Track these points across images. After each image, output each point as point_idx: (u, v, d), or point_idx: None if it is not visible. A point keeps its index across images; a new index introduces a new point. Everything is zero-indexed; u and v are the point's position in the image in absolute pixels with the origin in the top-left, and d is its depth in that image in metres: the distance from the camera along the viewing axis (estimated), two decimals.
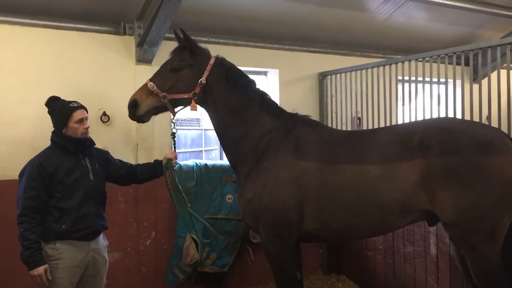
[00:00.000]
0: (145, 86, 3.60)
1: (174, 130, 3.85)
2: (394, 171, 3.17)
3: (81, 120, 3.44)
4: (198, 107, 3.71)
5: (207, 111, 3.79)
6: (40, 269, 3.15)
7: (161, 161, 3.90)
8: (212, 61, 3.65)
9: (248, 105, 3.65)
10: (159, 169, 3.87)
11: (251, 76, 5.90)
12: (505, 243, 3.09)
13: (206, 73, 3.60)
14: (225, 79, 3.63)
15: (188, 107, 3.69)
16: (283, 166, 3.44)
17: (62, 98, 3.53)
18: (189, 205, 4.12)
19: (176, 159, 3.96)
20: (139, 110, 3.58)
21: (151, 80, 3.61)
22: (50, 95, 3.54)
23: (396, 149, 3.22)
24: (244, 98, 3.65)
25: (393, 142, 3.27)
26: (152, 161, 4.01)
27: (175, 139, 3.91)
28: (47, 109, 3.48)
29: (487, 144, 3.04)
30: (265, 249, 3.61)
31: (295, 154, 3.46)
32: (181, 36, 3.66)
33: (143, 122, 3.70)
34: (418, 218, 3.33)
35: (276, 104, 3.82)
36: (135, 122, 3.70)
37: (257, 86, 3.80)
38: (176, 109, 3.70)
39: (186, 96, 3.59)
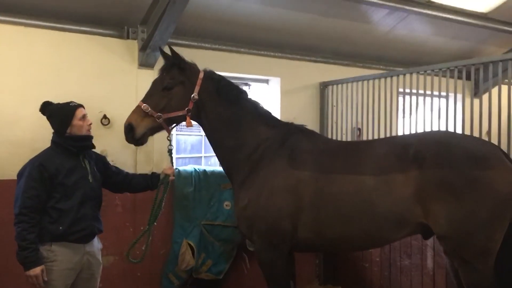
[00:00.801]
0: (138, 108, 3.57)
1: (170, 147, 3.83)
2: (389, 182, 3.19)
3: (84, 117, 3.47)
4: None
5: (200, 125, 3.80)
6: (37, 270, 3.13)
7: (159, 174, 3.92)
8: (201, 75, 3.65)
9: (241, 115, 3.66)
10: (155, 182, 3.89)
11: (253, 84, 6.01)
12: (498, 256, 3.10)
13: (197, 88, 3.60)
14: (216, 92, 3.64)
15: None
16: (278, 175, 3.45)
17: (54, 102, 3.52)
18: (155, 223, 3.96)
19: (174, 176, 3.98)
20: (136, 134, 3.56)
21: (143, 101, 3.58)
22: (49, 97, 3.55)
23: (392, 161, 3.24)
24: (237, 109, 3.66)
25: (388, 153, 3.29)
26: (149, 173, 4.03)
27: (172, 155, 3.91)
28: (45, 115, 3.47)
29: (480, 158, 3.07)
30: (258, 257, 3.62)
31: (291, 163, 3.46)
32: (169, 53, 3.65)
33: (142, 144, 3.69)
34: (413, 231, 3.35)
35: (270, 113, 3.83)
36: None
37: (249, 96, 3.81)
38: (170, 127, 3.70)
39: (180, 113, 3.59)
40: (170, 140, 3.81)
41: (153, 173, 3.99)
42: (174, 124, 3.73)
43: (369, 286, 5.27)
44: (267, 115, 3.77)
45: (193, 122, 3.74)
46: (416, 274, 4.66)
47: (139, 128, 3.55)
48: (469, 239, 3.05)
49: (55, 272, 3.24)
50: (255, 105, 3.76)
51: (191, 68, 3.69)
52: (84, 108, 3.52)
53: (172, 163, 3.94)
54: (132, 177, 3.88)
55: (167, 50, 3.75)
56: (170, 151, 3.85)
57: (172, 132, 3.84)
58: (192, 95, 3.58)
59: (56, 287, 3.25)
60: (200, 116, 3.69)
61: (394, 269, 4.94)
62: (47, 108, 3.46)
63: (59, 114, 3.41)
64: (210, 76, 3.70)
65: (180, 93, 3.59)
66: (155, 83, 3.68)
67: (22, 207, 3.16)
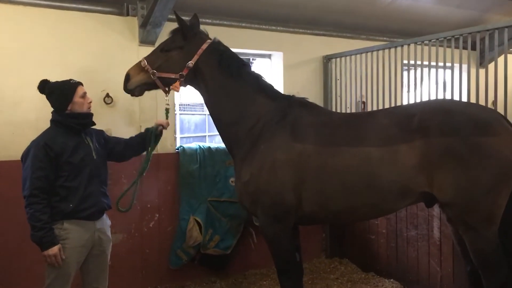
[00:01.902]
0: (139, 62, 3.75)
1: (167, 106, 3.88)
2: (393, 153, 3.20)
3: (84, 94, 3.47)
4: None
5: (201, 94, 3.82)
6: (55, 249, 3.16)
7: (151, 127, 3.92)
8: (205, 46, 3.65)
9: (242, 88, 3.64)
10: (149, 135, 3.88)
11: (256, 59, 5.94)
12: (503, 221, 3.13)
13: (195, 57, 3.63)
14: (217, 63, 3.64)
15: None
16: (280, 149, 3.44)
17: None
18: (143, 174, 4.00)
19: (167, 125, 3.97)
20: (129, 84, 3.75)
21: (145, 57, 3.74)
22: (51, 76, 3.51)
23: (395, 131, 3.24)
24: (238, 82, 3.64)
25: (392, 124, 3.29)
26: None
27: (168, 114, 3.92)
28: (44, 93, 3.44)
29: (484, 125, 3.09)
30: (263, 232, 3.64)
31: (292, 136, 3.45)
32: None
33: (135, 95, 3.85)
34: (416, 200, 3.38)
35: (272, 86, 3.80)
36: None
37: (251, 69, 3.79)
38: (166, 87, 3.76)
39: (172, 76, 3.66)
40: (167, 99, 3.84)
41: (146, 129, 3.97)
42: (170, 87, 3.75)
43: (376, 257, 5.31)
44: (268, 88, 3.73)
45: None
46: (422, 245, 4.69)
47: (133, 80, 3.74)
48: (474, 205, 3.08)
49: (68, 250, 3.26)
50: (257, 78, 3.73)
51: (195, 37, 3.70)
52: (83, 86, 3.51)
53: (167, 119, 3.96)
54: (130, 140, 3.91)
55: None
56: (167, 110, 3.90)
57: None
58: (188, 63, 3.60)
59: (68, 264, 3.28)
60: (199, 85, 3.74)
61: (400, 240, 4.96)
62: (46, 86, 3.43)
63: (60, 90, 3.38)
64: (215, 47, 3.69)
65: (176, 57, 3.67)
66: (160, 43, 3.80)
67: (32, 188, 3.16)
